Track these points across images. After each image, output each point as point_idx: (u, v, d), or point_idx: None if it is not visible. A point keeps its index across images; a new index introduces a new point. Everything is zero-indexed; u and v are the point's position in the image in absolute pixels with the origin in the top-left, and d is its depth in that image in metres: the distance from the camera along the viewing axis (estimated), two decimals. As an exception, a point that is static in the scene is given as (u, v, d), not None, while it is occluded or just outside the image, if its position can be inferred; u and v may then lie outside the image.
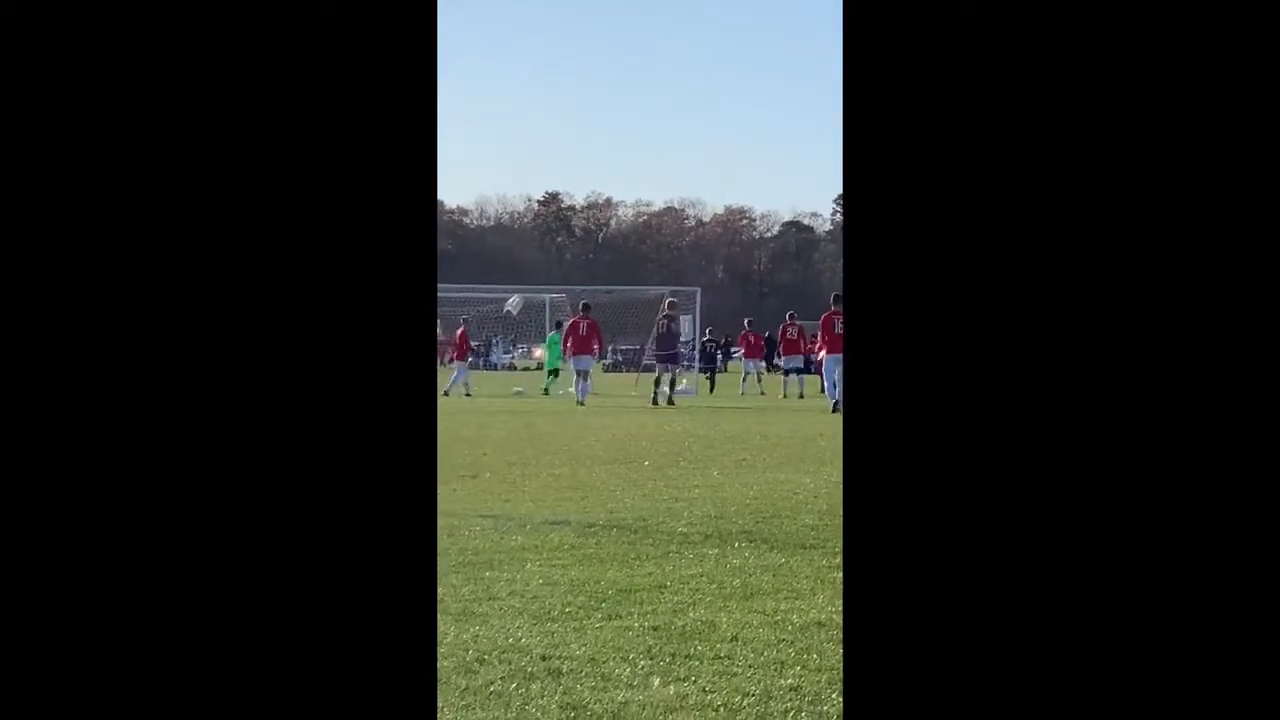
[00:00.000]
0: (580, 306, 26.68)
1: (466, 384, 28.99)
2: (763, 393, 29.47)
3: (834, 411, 20.49)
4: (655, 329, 27.01)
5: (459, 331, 30.34)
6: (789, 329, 29.00)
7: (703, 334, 34.80)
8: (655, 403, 24.17)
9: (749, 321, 34.41)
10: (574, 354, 25.66)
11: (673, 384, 25.07)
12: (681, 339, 40.48)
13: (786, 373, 29.15)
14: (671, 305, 27.15)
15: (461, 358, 29.81)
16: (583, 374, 25.40)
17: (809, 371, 29.96)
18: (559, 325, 30.78)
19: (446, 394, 27.08)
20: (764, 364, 33.04)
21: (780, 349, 29.76)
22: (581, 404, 24.13)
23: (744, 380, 31.19)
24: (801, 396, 27.39)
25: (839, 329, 21.52)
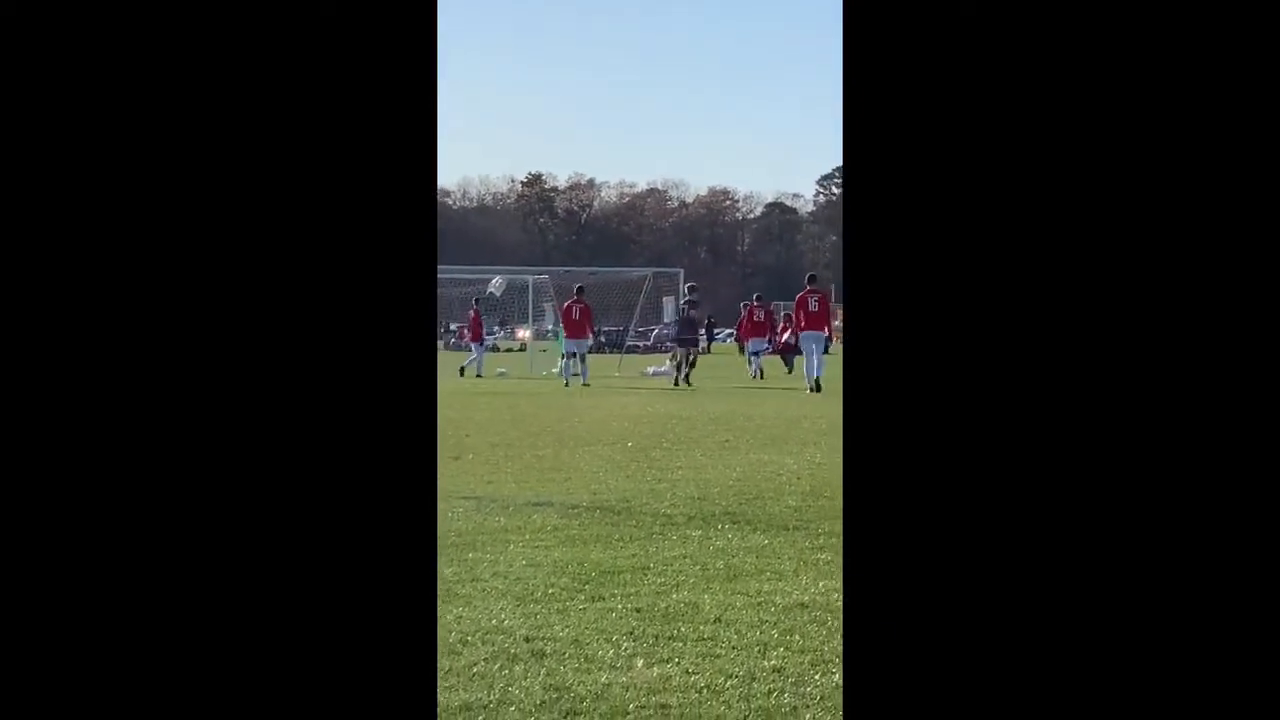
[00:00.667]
0: (575, 290, 26.88)
1: (468, 364, 29.31)
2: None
3: (813, 391, 20.74)
4: (677, 314, 27.79)
5: (472, 314, 30.77)
6: (755, 310, 29.00)
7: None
8: (682, 383, 24.45)
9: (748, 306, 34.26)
10: (567, 337, 25.85)
11: (693, 364, 25.40)
12: (665, 320, 40.57)
13: (753, 354, 29.19)
14: (691, 289, 27.82)
15: (477, 339, 30.23)
16: (573, 355, 25.53)
17: (777, 353, 30.17)
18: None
19: (480, 376, 27.95)
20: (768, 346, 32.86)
21: (747, 331, 29.82)
22: (586, 384, 24.26)
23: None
24: (761, 377, 27.61)
25: (814, 307, 22.34)
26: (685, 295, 27.58)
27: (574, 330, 25.70)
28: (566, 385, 24.33)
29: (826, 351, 23.77)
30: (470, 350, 30.54)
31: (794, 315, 23.88)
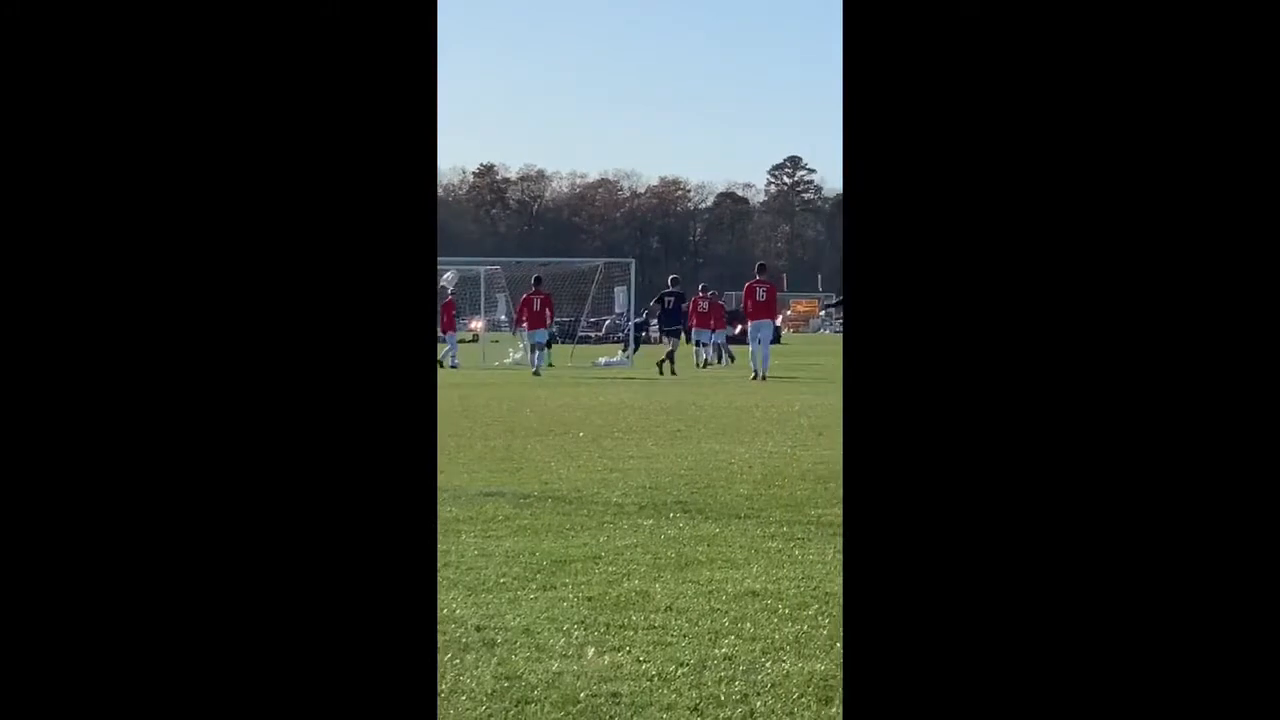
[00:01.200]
0: (533, 280, 27.27)
1: (451, 355, 29.33)
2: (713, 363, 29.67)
3: (757, 379, 21.08)
4: (661, 305, 29.01)
5: (445, 303, 30.80)
6: (700, 301, 29.17)
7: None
8: (669, 372, 24.75)
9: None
10: (529, 328, 26.15)
11: (671, 355, 25.81)
12: (617, 310, 40.70)
13: (697, 343, 29.41)
14: (674, 281, 28.96)
15: (450, 329, 30.21)
16: (537, 346, 25.96)
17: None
18: None
19: (441, 365, 27.51)
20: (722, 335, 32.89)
21: (693, 321, 30.03)
22: (537, 374, 24.52)
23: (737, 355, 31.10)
24: (705, 365, 27.95)
25: (761, 297, 22.92)
26: (669, 286, 28.62)
27: (535, 320, 25.89)
28: (537, 374, 24.54)
29: (776, 341, 24.01)
30: (444, 342, 30.51)
31: (743, 304, 24.36)
